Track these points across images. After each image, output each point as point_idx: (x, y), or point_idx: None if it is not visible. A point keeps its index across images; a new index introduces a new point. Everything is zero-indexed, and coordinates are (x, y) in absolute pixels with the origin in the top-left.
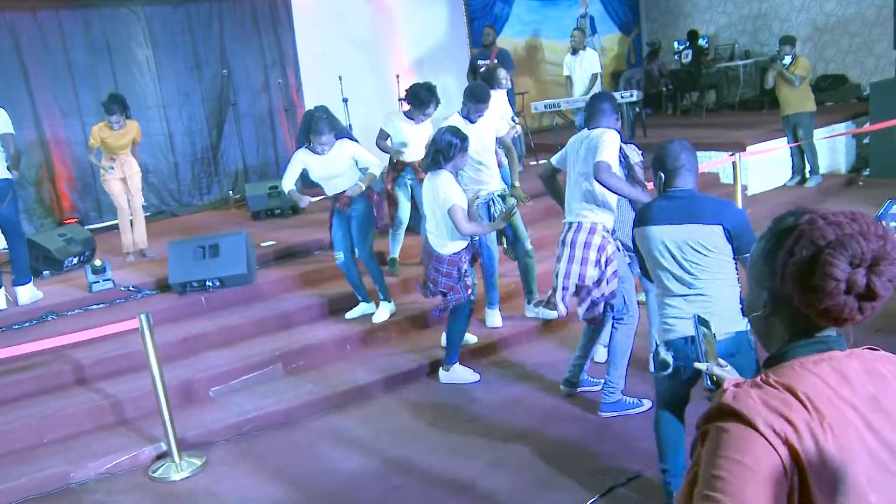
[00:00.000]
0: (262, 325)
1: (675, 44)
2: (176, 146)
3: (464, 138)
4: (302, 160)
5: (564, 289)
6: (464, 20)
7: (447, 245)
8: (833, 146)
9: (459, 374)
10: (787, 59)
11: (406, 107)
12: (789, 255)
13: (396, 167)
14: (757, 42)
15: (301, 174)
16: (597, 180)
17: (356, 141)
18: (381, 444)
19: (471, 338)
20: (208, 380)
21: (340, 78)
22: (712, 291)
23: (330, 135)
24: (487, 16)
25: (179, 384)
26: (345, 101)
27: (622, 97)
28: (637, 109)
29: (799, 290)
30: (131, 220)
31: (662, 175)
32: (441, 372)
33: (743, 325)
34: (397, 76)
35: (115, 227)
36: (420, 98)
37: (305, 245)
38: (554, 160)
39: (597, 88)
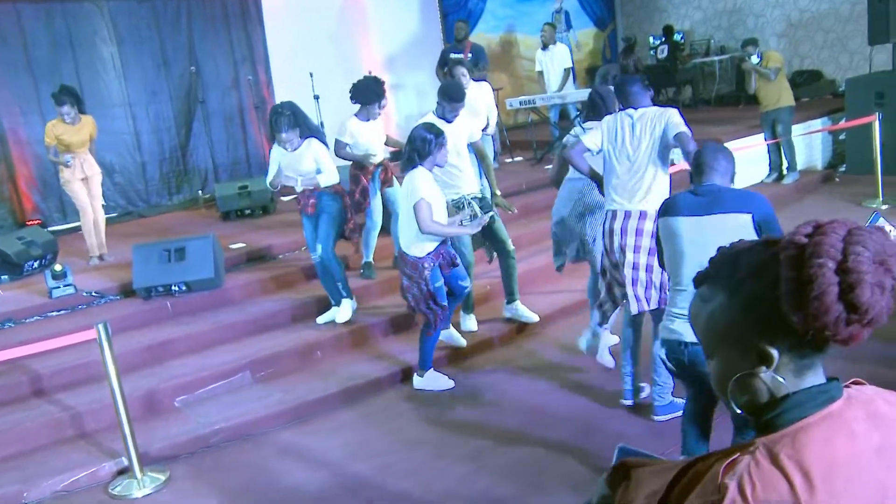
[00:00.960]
0: (230, 332)
1: (651, 39)
2: (143, 145)
3: (438, 133)
4: (275, 157)
5: (635, 282)
6: (437, 15)
7: (412, 246)
8: (809, 142)
9: (433, 380)
10: (755, 59)
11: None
12: (800, 284)
13: (367, 170)
14: (732, 37)
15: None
16: (687, 151)
17: (325, 143)
18: (352, 456)
19: (459, 340)
20: (173, 389)
21: (311, 74)
22: None
23: (290, 132)
24: (461, 11)
25: (143, 394)
26: (316, 98)
27: None
28: None
29: (834, 316)
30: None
31: (694, 172)
32: (415, 377)
33: None
34: (370, 72)
35: (80, 228)
36: (371, 92)
37: (275, 247)
38: (588, 141)
39: (570, 83)
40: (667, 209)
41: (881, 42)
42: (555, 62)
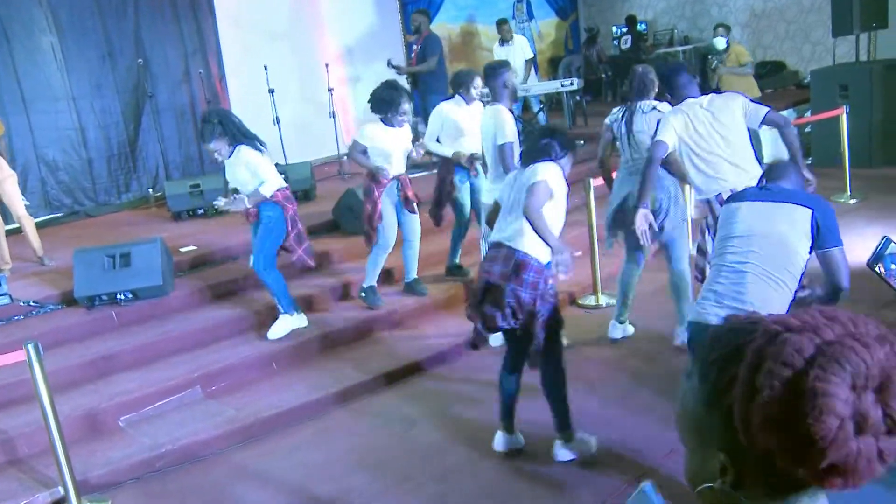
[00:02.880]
0: (179, 343)
1: (614, 29)
2: (89, 141)
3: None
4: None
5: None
6: (396, 5)
7: (536, 246)
8: (775, 135)
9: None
10: (722, 43)
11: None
12: (750, 392)
13: (381, 183)
14: (696, 28)
15: None
16: (786, 132)
17: (260, 150)
18: (313, 478)
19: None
20: (118, 408)
21: (266, 68)
22: (757, 294)
23: (217, 141)
24: (419, 1)
25: (84, 414)
26: (271, 91)
27: (562, 85)
28: (577, 98)
29: (781, 444)
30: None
31: (767, 176)
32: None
33: None
34: (326, 65)
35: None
36: (382, 101)
37: (229, 250)
38: (668, 139)
39: (532, 74)
40: (734, 197)
41: (844, 34)
42: (516, 56)
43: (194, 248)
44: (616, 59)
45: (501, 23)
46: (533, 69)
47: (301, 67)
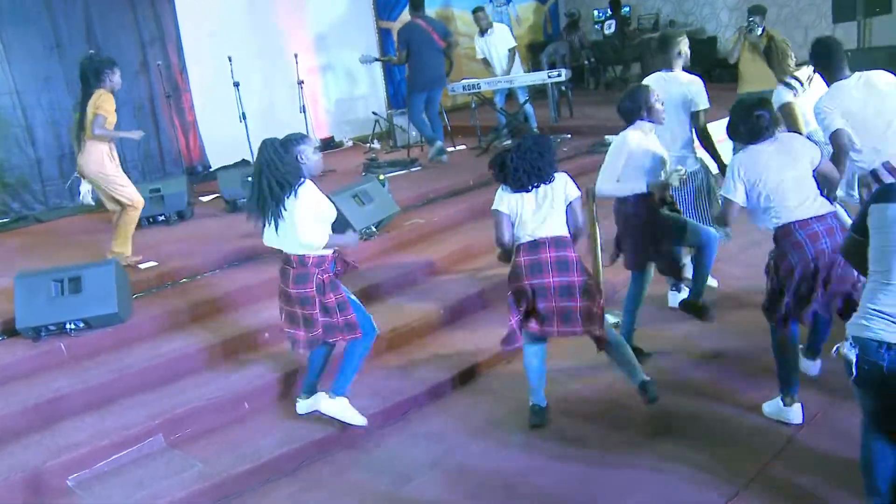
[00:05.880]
0: (138, 380)
1: (596, 13)
2: (37, 139)
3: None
4: None
5: None
6: None
7: None
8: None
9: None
10: (758, 31)
11: None
12: None
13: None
14: (681, 11)
15: None
16: None
17: None
18: None
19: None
20: (65, 465)
21: (230, 59)
22: None
23: None
24: None
25: (27, 475)
26: (236, 85)
27: (549, 76)
28: (563, 88)
29: None
30: None
31: None
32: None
33: None
34: (296, 55)
35: None
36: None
37: (194, 267)
38: (841, 124)
39: (516, 63)
40: (886, 195)
41: (847, 20)
42: (497, 45)
43: (154, 263)
44: (600, 45)
45: (477, 11)
46: (517, 56)
47: (268, 58)
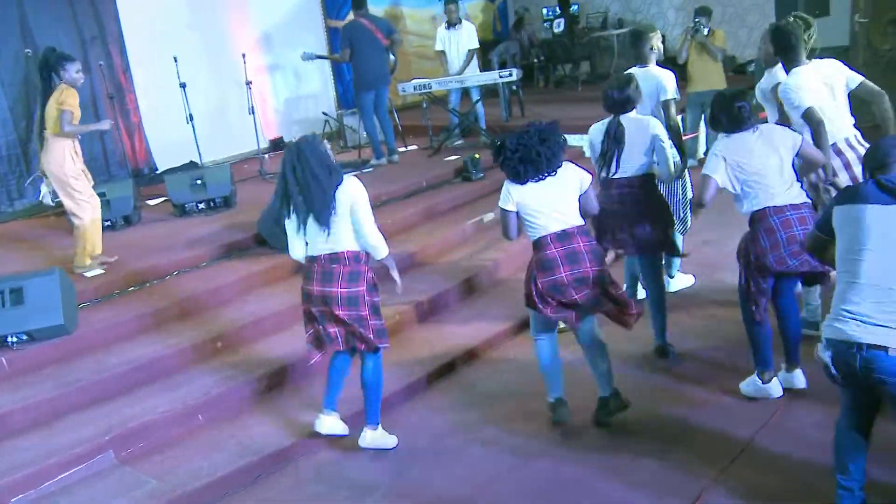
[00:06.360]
0: (86, 394)
1: (545, 11)
2: None
3: None
4: None
5: None
6: None
7: None
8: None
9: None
10: (704, 31)
11: None
12: None
13: None
14: (629, 10)
15: None
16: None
17: None
18: None
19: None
20: (9, 487)
21: (176, 59)
22: None
23: None
24: None
25: None
26: (182, 86)
27: (500, 76)
28: (514, 88)
29: None
30: None
31: (875, 165)
32: None
33: None
34: (243, 55)
35: None
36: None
37: (144, 273)
38: (812, 101)
39: (474, 65)
40: (852, 196)
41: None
42: (461, 42)
43: (101, 271)
44: (549, 43)
45: (449, 3)
46: (475, 59)
47: (215, 57)
